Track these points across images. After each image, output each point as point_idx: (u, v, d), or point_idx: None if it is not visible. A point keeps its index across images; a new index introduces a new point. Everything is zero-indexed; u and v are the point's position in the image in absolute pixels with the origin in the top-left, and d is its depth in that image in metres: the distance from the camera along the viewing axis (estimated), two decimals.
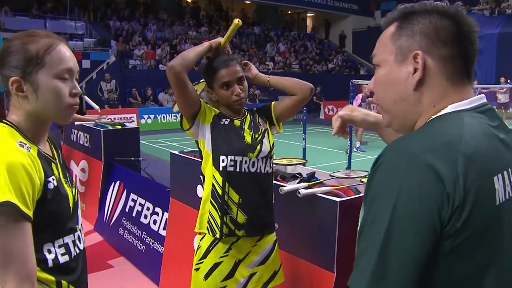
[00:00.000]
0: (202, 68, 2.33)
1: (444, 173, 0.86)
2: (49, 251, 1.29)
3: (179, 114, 2.25)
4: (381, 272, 0.86)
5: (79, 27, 20.08)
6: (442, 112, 1.01)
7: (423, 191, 0.86)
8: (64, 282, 1.32)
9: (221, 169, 2.14)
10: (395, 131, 1.14)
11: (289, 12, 32.68)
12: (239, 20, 2.24)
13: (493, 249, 0.92)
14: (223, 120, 2.21)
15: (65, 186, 1.36)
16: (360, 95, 11.00)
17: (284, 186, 2.50)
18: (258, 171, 2.20)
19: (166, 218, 3.94)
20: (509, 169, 0.97)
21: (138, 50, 19.75)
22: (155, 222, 4.15)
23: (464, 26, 1.02)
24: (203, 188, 2.28)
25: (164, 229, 3.95)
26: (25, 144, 1.25)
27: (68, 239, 1.35)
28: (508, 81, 15.85)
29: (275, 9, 30.12)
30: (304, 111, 7.33)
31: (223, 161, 2.14)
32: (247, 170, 2.17)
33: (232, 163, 2.14)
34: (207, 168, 2.20)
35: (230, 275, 2.18)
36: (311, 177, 2.69)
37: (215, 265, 2.17)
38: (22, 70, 1.25)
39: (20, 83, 1.26)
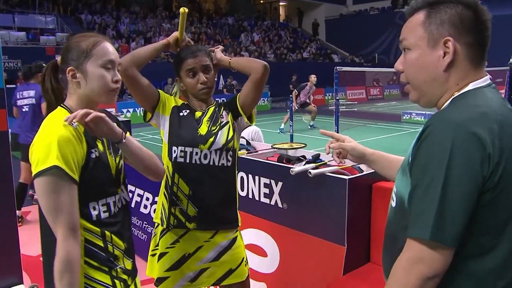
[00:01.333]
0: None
1: (484, 137, 1.05)
2: (94, 208, 1.60)
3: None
4: (440, 223, 1.06)
5: (50, 21, 19.72)
6: (466, 89, 1.20)
7: (470, 153, 1.04)
8: (107, 232, 1.62)
9: (172, 159, 2.16)
10: (422, 105, 1.31)
11: (262, 1, 32.74)
12: (185, 9, 2.23)
13: None
14: (183, 111, 2.22)
15: (109, 157, 1.66)
16: (307, 86, 12.15)
17: (292, 168, 2.64)
18: (211, 163, 2.15)
19: None
20: None
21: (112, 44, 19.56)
22: (146, 207, 4.24)
23: (482, 16, 1.19)
24: None
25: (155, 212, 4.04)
26: (74, 123, 1.51)
27: (110, 200, 1.65)
28: None
29: None
30: (290, 98, 7.45)
31: (174, 151, 2.16)
32: (198, 162, 2.14)
33: (182, 154, 2.14)
34: (164, 159, 2.21)
35: (175, 267, 2.19)
36: (316, 158, 2.83)
37: (161, 255, 2.20)
38: (76, 61, 1.59)
39: (74, 72, 1.59)
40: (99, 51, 1.59)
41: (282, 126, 11.64)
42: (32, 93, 5.32)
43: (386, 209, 2.51)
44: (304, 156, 2.98)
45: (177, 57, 2.25)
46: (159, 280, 2.21)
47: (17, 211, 5.30)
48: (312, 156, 2.88)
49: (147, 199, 4.40)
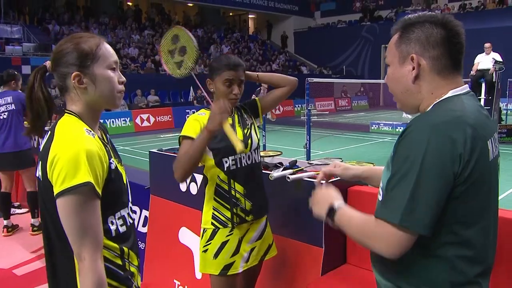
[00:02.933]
0: (212, 60, 2.60)
1: (456, 138, 1.21)
2: (112, 223, 1.52)
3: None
4: (411, 208, 1.21)
5: (16, 31, 19.40)
6: (446, 96, 1.35)
7: (442, 152, 1.21)
8: (125, 248, 1.55)
9: (225, 169, 2.38)
10: (406, 112, 1.50)
11: (231, 14, 32.98)
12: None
13: (487, 195, 1.31)
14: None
15: (118, 166, 1.58)
16: (261, 91, 12.32)
17: (271, 173, 2.73)
18: (254, 162, 2.49)
19: (145, 216, 4.05)
20: (494, 135, 1.37)
21: None
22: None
23: (450, 31, 1.35)
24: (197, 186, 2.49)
25: (143, 226, 4.07)
26: (90, 131, 1.46)
27: (124, 212, 1.57)
28: None
29: (217, 11, 30.34)
30: None
31: (226, 162, 2.38)
32: (246, 164, 2.44)
33: (234, 162, 2.40)
34: (211, 171, 2.41)
35: (237, 251, 2.43)
36: (293, 164, 2.94)
37: (223, 244, 2.41)
38: (79, 65, 1.48)
39: (80, 77, 1.48)
40: (104, 52, 1.51)
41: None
42: (9, 99, 5.20)
43: (361, 212, 2.64)
44: (280, 163, 3.08)
45: (219, 63, 2.42)
46: (227, 267, 2.40)
47: (5, 221, 5.24)
48: (289, 163, 2.99)
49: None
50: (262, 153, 3.45)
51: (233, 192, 2.41)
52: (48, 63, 1.53)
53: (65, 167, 1.33)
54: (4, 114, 5.20)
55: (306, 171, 2.84)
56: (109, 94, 1.53)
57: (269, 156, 3.39)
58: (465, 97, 1.36)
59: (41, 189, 1.46)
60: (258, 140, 2.55)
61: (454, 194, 1.23)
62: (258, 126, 2.65)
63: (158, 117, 16.34)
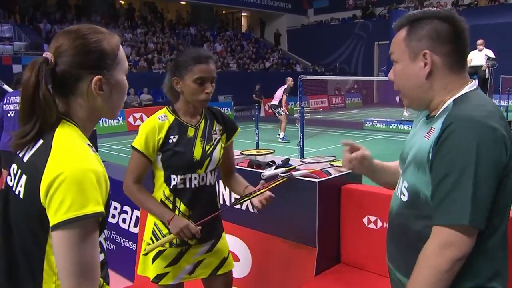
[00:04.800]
0: (176, 55, 2.27)
1: (501, 131, 1.24)
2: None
3: None
4: (476, 207, 1.21)
5: (6, 30, 19.19)
6: (463, 91, 1.37)
7: (493, 144, 1.22)
8: (101, 280, 1.23)
9: (171, 186, 2.15)
10: (415, 109, 1.50)
11: (224, 12, 32.87)
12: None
13: None
14: (171, 138, 2.14)
15: None
16: (283, 87, 12.02)
17: (263, 172, 2.68)
18: (207, 183, 2.21)
19: (137, 216, 4.00)
20: None
21: None
22: (124, 220, 4.19)
23: (457, 27, 1.37)
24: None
25: (135, 226, 4.01)
26: (92, 146, 1.22)
27: (101, 238, 1.25)
28: None
29: (210, 9, 30.21)
30: (256, 107, 7.54)
31: (173, 179, 2.14)
32: (197, 186, 2.17)
33: (182, 181, 2.14)
34: (158, 183, 2.19)
35: (174, 262, 2.21)
36: (286, 163, 2.90)
37: (160, 252, 2.20)
38: (101, 69, 1.23)
39: (101, 82, 1.23)
40: (123, 55, 1.30)
41: (282, 134, 11.56)
42: (19, 99, 5.22)
43: (354, 211, 2.62)
44: (273, 161, 3.03)
45: (185, 57, 2.12)
46: (159, 277, 2.21)
47: None
48: (281, 161, 2.94)
49: (115, 208, 4.36)
50: (254, 152, 3.40)
51: (176, 212, 2.16)
52: (50, 56, 1.20)
53: (72, 192, 1.08)
54: (12, 113, 5.30)
55: (298, 169, 2.81)
56: (119, 103, 1.30)
57: (262, 154, 3.34)
58: (479, 91, 1.39)
59: (18, 208, 1.18)
60: (219, 160, 2.24)
61: (500, 186, 1.25)
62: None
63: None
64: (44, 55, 1.20)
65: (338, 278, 2.59)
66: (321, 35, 29.04)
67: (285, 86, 12.04)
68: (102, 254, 1.27)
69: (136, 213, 4.01)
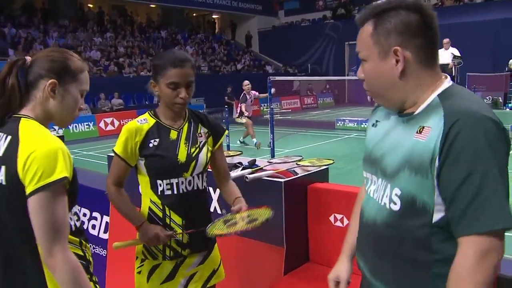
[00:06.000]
0: (153, 58, 2.24)
1: (502, 123, 1.17)
2: (71, 219, 1.57)
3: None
4: (504, 207, 1.12)
5: None
6: (445, 86, 1.29)
7: (502, 137, 1.16)
8: (83, 240, 1.64)
9: (159, 193, 2.07)
10: (388, 108, 1.40)
11: (195, 14, 32.76)
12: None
13: None
14: (152, 142, 2.07)
15: None
16: (247, 96, 11.45)
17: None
18: (196, 188, 2.12)
19: (107, 222, 3.95)
20: None
21: None
22: (94, 227, 4.13)
23: (426, 17, 1.27)
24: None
25: (105, 232, 3.96)
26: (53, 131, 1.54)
27: (75, 209, 1.64)
28: None
29: (181, 12, 30.04)
30: (227, 109, 7.53)
31: (160, 185, 2.06)
32: (185, 190, 2.08)
33: (169, 186, 2.06)
34: (145, 190, 2.12)
35: (171, 277, 2.13)
36: (252, 164, 2.91)
37: (154, 267, 2.13)
38: (59, 77, 1.56)
39: (55, 86, 1.55)
40: (83, 78, 1.63)
41: (255, 140, 10.96)
42: None
43: (321, 210, 2.64)
44: (240, 163, 3.04)
45: (160, 60, 2.06)
46: None
47: None
48: (248, 162, 2.96)
49: (84, 215, 4.30)
50: None
51: (168, 221, 2.07)
52: (28, 59, 1.58)
53: (43, 164, 1.38)
54: None
55: (265, 170, 2.83)
56: (68, 112, 1.61)
57: (229, 156, 3.35)
58: (459, 85, 1.34)
59: (4, 196, 1.45)
60: (207, 163, 2.17)
61: None
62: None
63: (122, 121, 16.03)
64: (26, 57, 1.57)
65: (307, 276, 2.62)
66: (292, 36, 29.24)
67: (242, 95, 11.61)
68: (79, 222, 1.62)
69: (106, 219, 3.97)
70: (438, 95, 1.26)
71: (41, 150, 1.40)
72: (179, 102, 2.04)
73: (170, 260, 2.12)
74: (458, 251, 1.17)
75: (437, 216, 1.22)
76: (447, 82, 1.30)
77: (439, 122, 1.20)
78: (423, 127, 1.23)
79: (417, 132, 1.25)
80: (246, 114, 11.22)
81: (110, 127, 15.83)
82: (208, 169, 2.23)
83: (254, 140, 10.75)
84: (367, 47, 1.30)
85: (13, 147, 1.43)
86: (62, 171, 1.40)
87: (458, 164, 1.14)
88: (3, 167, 1.44)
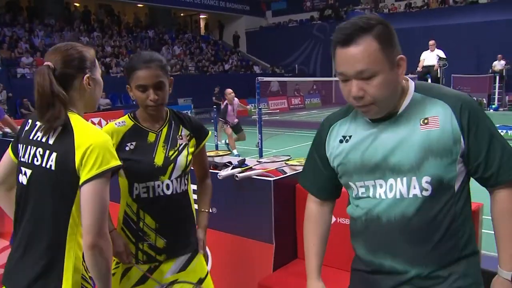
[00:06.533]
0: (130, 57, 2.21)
1: None
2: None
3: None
4: None
5: None
6: (411, 83, 1.48)
7: None
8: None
9: (134, 196, 2.02)
10: (376, 116, 1.46)
11: (182, 14, 32.69)
12: None
13: None
14: (128, 145, 2.04)
15: None
16: (228, 107, 10.63)
17: (219, 173, 2.75)
18: (174, 192, 2.05)
19: None
20: None
21: (26, 58, 18.66)
22: None
23: (392, 28, 1.42)
24: None
25: None
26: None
27: None
28: None
29: (168, 12, 29.96)
30: (215, 109, 7.56)
31: (136, 188, 2.01)
32: (162, 194, 2.02)
33: (145, 189, 2.01)
34: (122, 193, 2.07)
35: (141, 281, 2.06)
36: (242, 163, 2.97)
37: (126, 270, 2.07)
38: (87, 69, 1.69)
39: (89, 79, 1.69)
40: (96, 61, 1.76)
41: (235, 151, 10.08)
42: None
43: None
44: (230, 162, 3.10)
45: (129, 64, 2.03)
46: None
47: None
48: (238, 161, 3.01)
49: None
50: (212, 153, 3.46)
51: (141, 225, 2.02)
52: (50, 63, 1.62)
53: (101, 153, 1.54)
54: None
55: (254, 169, 2.89)
56: (99, 97, 1.79)
57: (219, 155, 3.41)
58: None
59: (45, 179, 1.58)
60: (187, 166, 2.09)
61: None
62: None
63: (109, 120, 15.89)
64: (45, 63, 1.62)
65: (295, 272, 2.68)
66: (279, 37, 29.35)
67: (224, 105, 10.83)
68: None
69: None
70: (416, 91, 1.45)
71: (98, 141, 1.56)
72: (149, 104, 1.99)
73: (143, 264, 2.05)
74: (498, 198, 1.45)
75: (457, 185, 1.43)
76: (410, 81, 1.48)
77: (445, 110, 1.39)
78: (427, 118, 1.40)
79: (421, 124, 1.40)
80: (230, 123, 10.55)
81: (97, 127, 15.76)
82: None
83: (235, 151, 9.96)
84: (379, 62, 1.34)
85: (67, 138, 1.57)
86: (116, 159, 1.59)
87: (481, 133, 1.39)
88: (54, 154, 1.57)
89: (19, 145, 1.70)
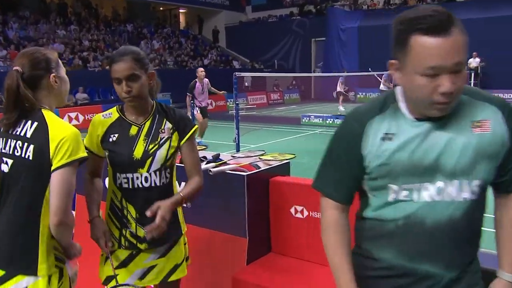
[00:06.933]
0: None
1: None
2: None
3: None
4: None
5: None
6: None
7: None
8: None
9: (118, 185, 2.13)
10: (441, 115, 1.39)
11: (161, 8, 32.41)
12: None
13: None
14: (111, 136, 2.12)
15: None
16: (197, 84, 10.79)
17: None
18: (153, 184, 2.10)
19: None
20: None
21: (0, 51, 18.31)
22: None
23: None
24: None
25: None
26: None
27: None
28: (370, 69, 17.45)
29: (147, 5, 29.71)
30: (193, 104, 7.53)
31: (118, 178, 2.11)
32: (141, 186, 2.09)
33: (126, 180, 2.10)
34: (109, 183, 2.18)
35: (124, 264, 2.16)
36: (216, 158, 2.99)
37: (111, 252, 2.13)
38: (53, 69, 1.92)
39: (56, 77, 1.93)
40: (60, 61, 2.01)
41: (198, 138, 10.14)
42: None
43: (282, 202, 2.75)
44: (204, 157, 3.12)
45: (109, 58, 2.15)
46: (108, 279, 2.16)
47: None
48: (212, 156, 3.03)
49: None
50: None
51: (125, 213, 2.13)
52: (19, 68, 1.86)
53: (72, 145, 1.78)
54: None
55: (228, 164, 2.92)
56: (66, 92, 2.01)
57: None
58: None
59: (24, 168, 1.81)
60: (167, 160, 2.11)
61: None
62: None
63: (87, 115, 15.76)
64: (14, 68, 1.86)
65: (269, 266, 2.72)
66: (259, 32, 29.35)
67: (192, 82, 10.81)
68: None
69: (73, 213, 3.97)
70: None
71: (69, 134, 1.79)
72: (124, 96, 2.05)
73: (125, 249, 2.15)
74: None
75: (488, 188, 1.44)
76: None
77: (496, 114, 1.36)
78: (478, 121, 1.36)
79: (473, 127, 1.35)
80: (197, 104, 10.55)
81: (74, 122, 15.54)
82: (178, 164, 2.25)
83: (199, 139, 9.92)
84: (464, 54, 1.27)
85: (42, 131, 1.81)
86: (83, 151, 1.84)
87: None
88: (31, 146, 1.81)
89: None
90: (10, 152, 1.86)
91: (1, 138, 1.90)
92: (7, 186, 1.86)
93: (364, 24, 25.07)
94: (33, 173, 1.81)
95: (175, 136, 2.14)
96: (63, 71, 1.98)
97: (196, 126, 2.23)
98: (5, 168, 1.87)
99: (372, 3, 27.35)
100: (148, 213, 1.95)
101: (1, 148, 1.90)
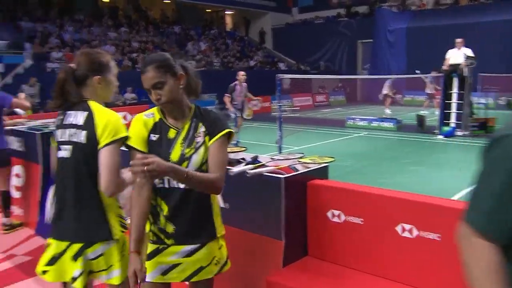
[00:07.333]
0: None
1: None
2: None
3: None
4: None
5: None
6: None
7: None
8: None
9: (154, 183, 2.16)
10: None
11: (208, 10, 32.87)
12: None
13: None
14: (152, 136, 2.17)
15: None
16: (237, 86, 11.12)
17: (231, 169, 2.79)
18: (188, 187, 2.12)
19: None
20: None
21: (56, 52, 19.07)
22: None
23: None
24: None
25: None
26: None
27: None
28: (416, 71, 17.05)
29: (194, 8, 30.20)
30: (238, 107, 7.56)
31: None
32: (176, 186, 2.13)
33: (161, 180, 2.14)
34: None
35: (148, 258, 2.19)
36: (254, 160, 3.01)
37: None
38: (100, 72, 2.30)
39: (100, 80, 2.30)
40: (113, 65, 2.37)
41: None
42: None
43: (320, 206, 2.73)
44: (243, 159, 3.14)
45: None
46: None
47: (6, 219, 5.16)
48: (251, 158, 3.05)
49: None
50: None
51: (158, 210, 2.18)
52: (73, 65, 2.28)
53: (115, 126, 2.18)
54: None
55: (267, 166, 2.92)
56: (111, 93, 2.39)
57: (233, 152, 3.44)
58: None
59: (81, 150, 2.20)
60: (202, 164, 2.12)
61: None
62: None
63: (135, 115, 16.23)
64: (70, 64, 2.30)
65: (304, 270, 2.71)
66: (305, 34, 29.24)
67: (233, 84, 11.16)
68: None
69: None
70: None
71: (111, 119, 2.20)
72: (155, 103, 2.13)
73: (152, 243, 2.20)
74: None
75: None
76: None
77: None
78: None
79: None
80: (234, 103, 11.01)
81: (122, 121, 15.99)
82: None
83: (237, 140, 9.91)
84: None
85: (91, 118, 2.20)
86: (125, 131, 2.19)
87: None
88: (84, 131, 2.20)
89: (56, 131, 2.30)
90: (68, 139, 2.24)
91: (59, 130, 2.29)
92: (68, 169, 2.23)
93: (413, 25, 24.51)
94: (88, 154, 2.19)
95: (207, 139, 2.15)
96: (111, 74, 2.34)
97: (229, 130, 2.18)
98: (65, 154, 2.25)
99: (421, 3, 26.68)
100: (139, 156, 1.94)
101: (60, 138, 2.28)
